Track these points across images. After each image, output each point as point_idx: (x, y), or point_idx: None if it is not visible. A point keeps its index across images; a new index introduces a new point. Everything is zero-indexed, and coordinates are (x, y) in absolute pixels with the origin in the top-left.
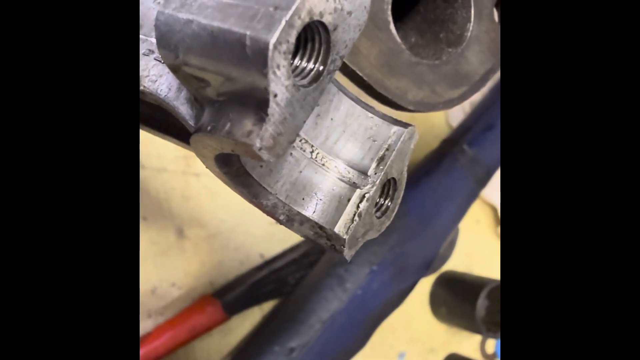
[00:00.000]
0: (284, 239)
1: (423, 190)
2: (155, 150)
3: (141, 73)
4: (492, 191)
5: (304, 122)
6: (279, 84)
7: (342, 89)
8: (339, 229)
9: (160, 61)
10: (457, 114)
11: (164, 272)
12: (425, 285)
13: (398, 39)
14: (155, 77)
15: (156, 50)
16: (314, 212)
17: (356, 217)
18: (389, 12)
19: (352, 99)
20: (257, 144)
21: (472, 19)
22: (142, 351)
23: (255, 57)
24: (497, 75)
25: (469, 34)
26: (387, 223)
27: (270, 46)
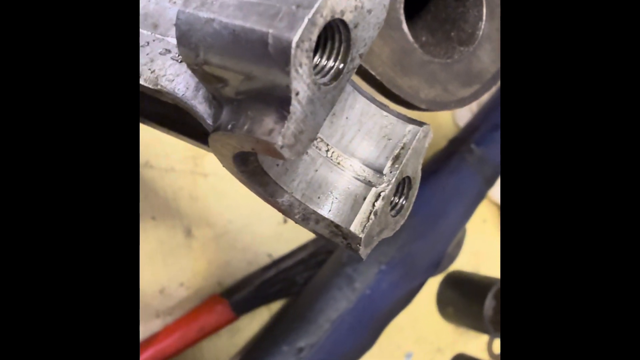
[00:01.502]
0: (292, 238)
1: (431, 189)
2: (163, 151)
3: (158, 72)
4: (499, 191)
5: (324, 120)
6: (301, 82)
7: (356, 88)
8: (355, 227)
9: (177, 60)
10: (465, 114)
11: (173, 272)
12: (432, 285)
13: (410, 38)
14: (173, 76)
15: (173, 50)
16: (330, 210)
17: (372, 216)
18: (402, 11)
19: (367, 97)
20: (279, 142)
21: (484, 18)
22: (151, 351)
23: (278, 55)
24: None
25: (480, 32)
26: (402, 222)
27: (293, 44)
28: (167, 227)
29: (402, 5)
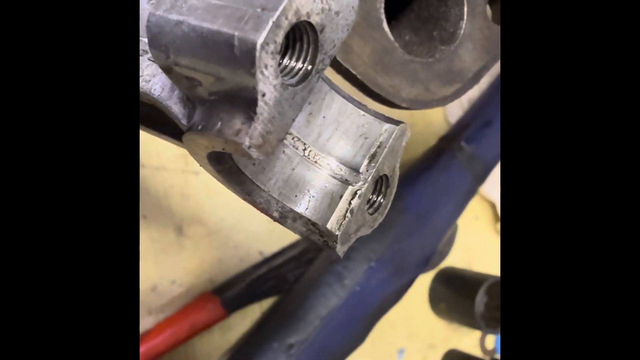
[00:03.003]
0: (283, 236)
1: (421, 186)
2: (154, 149)
3: None
4: (491, 187)
5: (293, 120)
6: (267, 84)
7: (334, 88)
8: (331, 225)
9: (153, 61)
10: (455, 111)
11: (164, 270)
12: (424, 281)
13: (391, 37)
14: (149, 76)
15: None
16: (307, 208)
17: (348, 214)
18: (382, 11)
19: (344, 97)
20: (246, 142)
21: (465, 17)
22: (143, 348)
23: (243, 57)
24: (492, 72)
25: (461, 31)
26: (380, 219)
27: (258, 46)
28: (159, 226)
29: (382, 5)
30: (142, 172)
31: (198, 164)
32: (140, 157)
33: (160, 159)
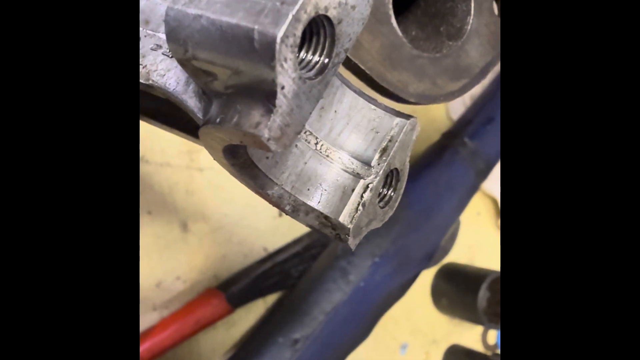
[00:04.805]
0: (287, 232)
1: (424, 183)
2: (159, 145)
3: (149, 68)
4: (493, 183)
5: (310, 113)
6: (286, 76)
7: (345, 82)
8: (344, 218)
9: (168, 56)
10: (458, 107)
11: (169, 266)
12: (426, 277)
13: (399, 33)
14: (164, 71)
15: (164, 45)
16: (319, 202)
17: (360, 207)
18: (390, 6)
19: (355, 91)
20: (266, 134)
21: (472, 12)
22: (148, 344)
23: (263, 50)
24: (497, 68)
25: (469, 27)
26: (390, 213)
27: (278, 40)
28: (164, 222)
29: (390, 1)
30: (147, 168)
31: (204, 161)
32: (145, 153)
33: (165, 156)
